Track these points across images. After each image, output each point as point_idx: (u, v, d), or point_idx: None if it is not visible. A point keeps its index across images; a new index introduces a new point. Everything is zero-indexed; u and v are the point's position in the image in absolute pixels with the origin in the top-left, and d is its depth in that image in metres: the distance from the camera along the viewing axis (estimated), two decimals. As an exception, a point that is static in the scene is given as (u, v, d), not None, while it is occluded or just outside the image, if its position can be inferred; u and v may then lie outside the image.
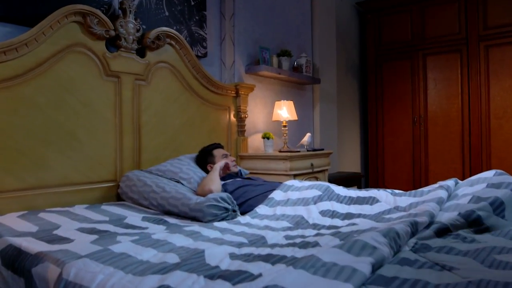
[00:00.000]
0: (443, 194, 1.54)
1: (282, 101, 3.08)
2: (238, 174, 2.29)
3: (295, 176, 2.80)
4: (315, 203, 1.76)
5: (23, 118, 1.84)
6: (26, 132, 1.85)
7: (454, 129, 4.21)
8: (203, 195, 1.86)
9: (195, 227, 1.48)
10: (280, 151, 2.91)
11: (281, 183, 2.08)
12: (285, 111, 3.06)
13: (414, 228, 1.22)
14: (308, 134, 3.12)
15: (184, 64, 2.57)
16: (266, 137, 2.92)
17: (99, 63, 2.13)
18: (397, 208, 1.60)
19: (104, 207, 1.94)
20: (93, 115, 2.10)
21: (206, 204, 1.69)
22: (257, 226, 1.55)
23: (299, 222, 1.59)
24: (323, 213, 1.67)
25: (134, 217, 1.75)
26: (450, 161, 4.24)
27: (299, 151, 2.85)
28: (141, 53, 2.35)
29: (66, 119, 1.99)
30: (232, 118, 2.94)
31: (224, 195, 1.75)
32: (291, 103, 3.11)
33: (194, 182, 2.14)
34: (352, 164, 4.73)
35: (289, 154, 2.74)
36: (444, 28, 4.25)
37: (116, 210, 1.88)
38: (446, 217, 1.39)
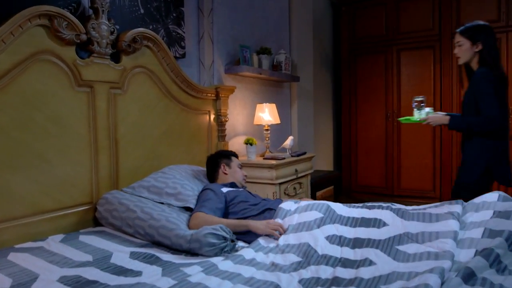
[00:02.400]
0: (456, 226, 1.49)
1: (264, 104, 2.93)
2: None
3: (280, 184, 2.70)
4: (318, 226, 1.65)
5: (-18, 142, 1.57)
6: (-13, 158, 1.59)
7: (426, 125, 4.26)
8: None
9: (197, 271, 1.33)
10: (264, 158, 2.78)
11: (280, 200, 2.00)
12: (267, 114, 2.92)
13: (442, 276, 1.16)
14: (291, 137, 3.01)
15: (162, 68, 2.34)
16: (249, 143, 2.77)
17: (69, 72, 1.87)
18: (407, 235, 1.53)
19: (83, 237, 1.73)
20: (64, 132, 1.85)
21: (203, 233, 1.55)
22: (265, 266, 1.42)
23: (308, 253, 1.48)
24: (330, 239, 1.57)
25: (120, 253, 1.56)
26: (421, 157, 4.31)
27: (284, 158, 2.73)
28: (115, 57, 2.10)
29: (33, 139, 1.73)
30: (212, 122, 2.76)
31: (218, 226, 1.62)
32: (273, 106, 2.97)
33: (182, 199, 1.95)
34: (326, 159, 4.70)
35: (274, 162, 2.62)
36: (418, 23, 4.24)
37: (97, 242, 1.68)
38: (464, 256, 1.34)
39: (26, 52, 1.70)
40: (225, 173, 2.16)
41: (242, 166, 2.26)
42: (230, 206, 1.89)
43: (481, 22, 2.19)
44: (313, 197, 3.27)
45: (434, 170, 4.25)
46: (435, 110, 4.15)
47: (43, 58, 1.76)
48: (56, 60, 1.81)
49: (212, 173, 2.20)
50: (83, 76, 1.91)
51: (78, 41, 1.87)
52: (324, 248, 1.52)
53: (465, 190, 2.12)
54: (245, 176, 2.23)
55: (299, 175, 2.89)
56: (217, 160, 2.20)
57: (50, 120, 1.79)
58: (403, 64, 4.35)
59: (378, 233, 1.58)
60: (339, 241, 1.58)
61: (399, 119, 2.50)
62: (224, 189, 1.99)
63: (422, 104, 2.33)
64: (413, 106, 2.34)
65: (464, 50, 2.18)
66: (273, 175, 2.62)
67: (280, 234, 1.66)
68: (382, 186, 4.52)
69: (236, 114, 3.11)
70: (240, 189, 2.08)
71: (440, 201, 4.22)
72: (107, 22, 1.99)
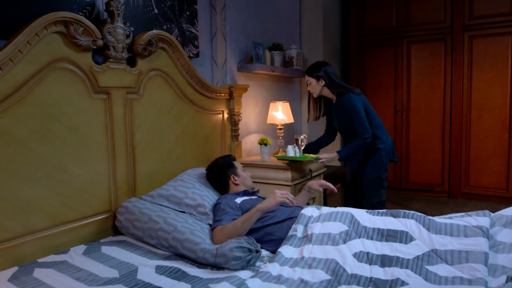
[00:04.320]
0: (486, 246, 1.46)
1: (278, 102, 2.88)
2: (252, 191, 2.16)
3: (295, 185, 2.67)
4: (344, 242, 1.63)
5: (0, 156, 1.53)
6: (5, 172, 1.54)
7: (435, 118, 4.24)
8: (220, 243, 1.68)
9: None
10: (279, 159, 2.74)
11: (300, 207, 1.96)
12: (280, 113, 2.87)
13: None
14: (304, 135, 2.97)
15: (177, 69, 2.28)
16: (263, 143, 2.73)
17: (86, 79, 1.81)
18: (435, 253, 1.51)
19: (105, 249, 1.71)
20: (82, 141, 1.81)
21: (229, 247, 1.54)
22: (293, 283, 1.40)
23: (336, 271, 1.47)
24: (358, 256, 1.55)
25: (145, 267, 1.54)
26: (430, 151, 4.29)
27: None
28: (131, 61, 2.04)
29: (52, 150, 1.69)
30: (226, 122, 2.72)
31: (242, 238, 1.60)
32: (287, 104, 2.92)
33: (203, 212, 1.91)
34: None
35: (290, 163, 2.59)
36: (429, 15, 4.16)
37: (120, 254, 1.66)
38: (495, 283, 1.32)
39: (43, 61, 1.64)
40: (236, 184, 2.09)
41: (256, 166, 2.21)
42: None
43: (320, 61, 2.63)
44: (324, 195, 3.25)
45: (443, 163, 4.24)
46: (444, 103, 4.15)
47: (60, 66, 1.70)
48: (73, 67, 1.75)
49: (222, 187, 2.11)
50: (100, 83, 1.86)
51: (95, 47, 1.81)
52: (353, 267, 1.49)
53: (375, 182, 2.60)
54: (250, 176, 2.18)
55: (313, 174, 2.87)
56: (224, 172, 2.10)
57: (68, 130, 1.75)
58: (413, 57, 4.29)
59: (406, 250, 1.55)
60: (367, 258, 1.55)
61: (278, 156, 2.66)
62: (238, 200, 1.95)
63: (302, 143, 2.61)
64: (299, 144, 2.61)
65: (314, 87, 2.60)
66: (288, 176, 2.59)
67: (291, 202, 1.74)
68: (390, 179, 4.50)
69: (249, 112, 3.07)
70: (254, 197, 2.04)
71: (449, 195, 4.24)
72: (122, 26, 1.92)
